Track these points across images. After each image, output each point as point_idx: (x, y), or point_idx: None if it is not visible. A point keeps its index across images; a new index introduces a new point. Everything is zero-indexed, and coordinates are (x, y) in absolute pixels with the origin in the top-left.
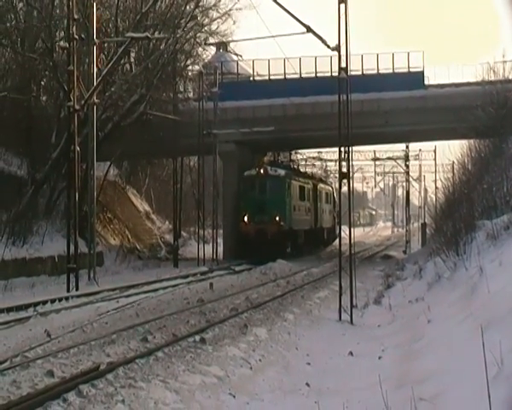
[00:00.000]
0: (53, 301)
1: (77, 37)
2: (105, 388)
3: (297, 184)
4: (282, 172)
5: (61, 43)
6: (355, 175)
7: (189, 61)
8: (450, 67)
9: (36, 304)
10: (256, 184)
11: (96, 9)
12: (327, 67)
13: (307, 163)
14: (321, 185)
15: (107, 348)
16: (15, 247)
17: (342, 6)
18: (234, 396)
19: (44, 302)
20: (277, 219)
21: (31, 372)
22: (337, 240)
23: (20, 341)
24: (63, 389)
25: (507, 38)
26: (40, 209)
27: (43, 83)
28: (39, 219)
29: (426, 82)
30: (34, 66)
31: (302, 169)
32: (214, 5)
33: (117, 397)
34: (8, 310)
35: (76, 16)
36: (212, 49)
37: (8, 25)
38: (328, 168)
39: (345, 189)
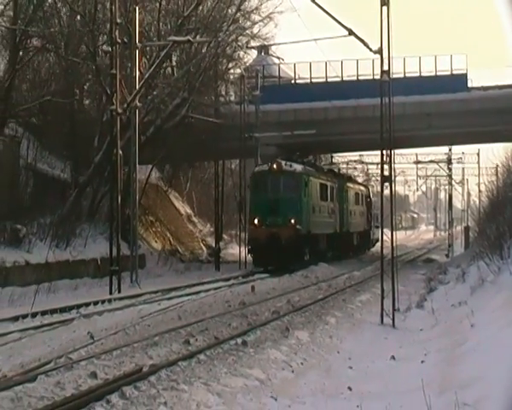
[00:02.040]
0: (96, 303)
1: (119, 41)
2: (148, 390)
3: (317, 182)
4: (298, 167)
5: (104, 47)
6: (397, 178)
7: (230, 65)
8: (494, 69)
9: (79, 306)
10: (268, 182)
11: (139, 13)
12: (369, 69)
13: (349, 166)
14: (349, 185)
15: (150, 351)
16: (59, 249)
17: (384, 9)
18: (275, 399)
19: (87, 304)
20: (293, 221)
21: (74, 374)
22: (374, 246)
23: (63, 342)
24: (106, 390)
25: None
26: (83, 212)
27: (86, 87)
28: (82, 221)
29: (469, 84)
30: (77, 70)
31: (345, 172)
32: (256, 8)
33: (159, 399)
34: (52, 312)
35: (118, 20)
36: (254, 53)
37: (52, 29)
38: (370, 171)
39: (387, 192)
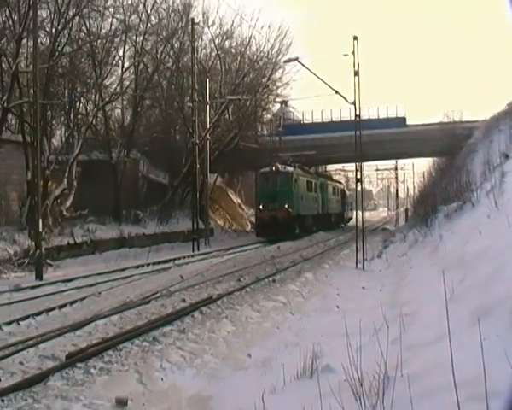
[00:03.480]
0: (184, 257)
1: (197, 99)
2: (216, 309)
3: (304, 179)
4: (290, 169)
5: (188, 103)
6: (365, 179)
7: (264, 112)
8: (423, 112)
9: (174, 259)
10: (269, 179)
11: (208, 83)
12: (347, 113)
13: (336, 172)
14: (329, 182)
15: (217, 285)
16: (162, 225)
17: (356, 78)
18: (293, 314)
19: (179, 258)
20: (286, 206)
21: (172, 300)
22: (348, 222)
23: (165, 281)
24: (191, 309)
25: None
26: (176, 203)
27: (177, 128)
28: (175, 209)
29: (408, 123)
30: (172, 118)
31: (335, 177)
32: (279, 78)
33: (223, 315)
34: (159, 263)
35: (196, 87)
36: (278, 105)
37: (157, 94)
38: (349, 175)
39: (358, 188)
